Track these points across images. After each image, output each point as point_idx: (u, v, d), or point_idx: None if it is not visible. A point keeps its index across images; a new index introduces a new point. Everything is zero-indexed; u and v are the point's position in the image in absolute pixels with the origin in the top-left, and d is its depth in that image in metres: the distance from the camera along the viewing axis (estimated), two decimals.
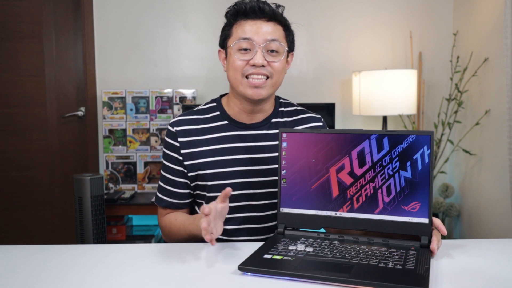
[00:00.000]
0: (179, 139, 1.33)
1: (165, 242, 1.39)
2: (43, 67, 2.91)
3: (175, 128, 1.34)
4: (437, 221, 1.09)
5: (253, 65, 1.25)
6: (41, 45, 2.89)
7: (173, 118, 1.38)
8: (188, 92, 2.95)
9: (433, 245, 1.05)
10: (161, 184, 1.37)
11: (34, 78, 2.91)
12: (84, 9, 2.94)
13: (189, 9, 3.01)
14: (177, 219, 1.32)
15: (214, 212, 1.07)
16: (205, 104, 1.40)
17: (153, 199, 2.70)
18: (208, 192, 1.32)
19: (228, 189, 1.10)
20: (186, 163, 1.33)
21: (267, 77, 1.27)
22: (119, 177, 2.97)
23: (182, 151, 1.32)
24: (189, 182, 1.35)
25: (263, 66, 1.25)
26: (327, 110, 2.81)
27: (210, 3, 3.01)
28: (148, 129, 2.96)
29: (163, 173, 1.37)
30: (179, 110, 2.94)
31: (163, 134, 2.97)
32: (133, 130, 2.96)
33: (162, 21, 3.00)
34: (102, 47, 3.00)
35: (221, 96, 1.41)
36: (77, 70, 3.01)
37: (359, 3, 3.03)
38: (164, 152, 1.36)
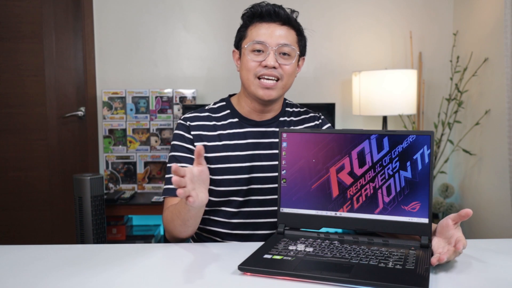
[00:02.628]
0: (192, 132, 1.37)
1: (167, 241, 1.38)
2: (43, 67, 2.91)
3: (189, 123, 1.38)
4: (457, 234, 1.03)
5: (265, 66, 1.30)
6: (41, 45, 2.89)
7: (184, 114, 1.42)
8: (188, 92, 2.95)
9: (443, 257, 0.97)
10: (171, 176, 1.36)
11: (34, 78, 2.91)
12: (84, 9, 2.94)
13: (189, 9, 3.01)
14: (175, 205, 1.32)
15: (190, 174, 1.04)
16: (214, 104, 1.45)
17: (154, 199, 2.73)
18: (217, 187, 1.35)
19: (200, 147, 1.07)
20: None
21: (278, 79, 1.32)
22: (119, 177, 2.97)
23: (195, 144, 1.35)
24: None
25: (274, 68, 1.30)
26: (327, 110, 2.81)
27: (210, 3, 3.00)
28: (148, 129, 2.96)
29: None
30: (179, 110, 2.94)
31: (163, 134, 2.97)
32: (133, 130, 2.96)
33: (162, 21, 3.00)
34: (102, 47, 3.00)
35: (230, 96, 1.46)
36: (77, 70, 3.01)
37: (359, 3, 3.03)
38: (173, 145, 1.38)
